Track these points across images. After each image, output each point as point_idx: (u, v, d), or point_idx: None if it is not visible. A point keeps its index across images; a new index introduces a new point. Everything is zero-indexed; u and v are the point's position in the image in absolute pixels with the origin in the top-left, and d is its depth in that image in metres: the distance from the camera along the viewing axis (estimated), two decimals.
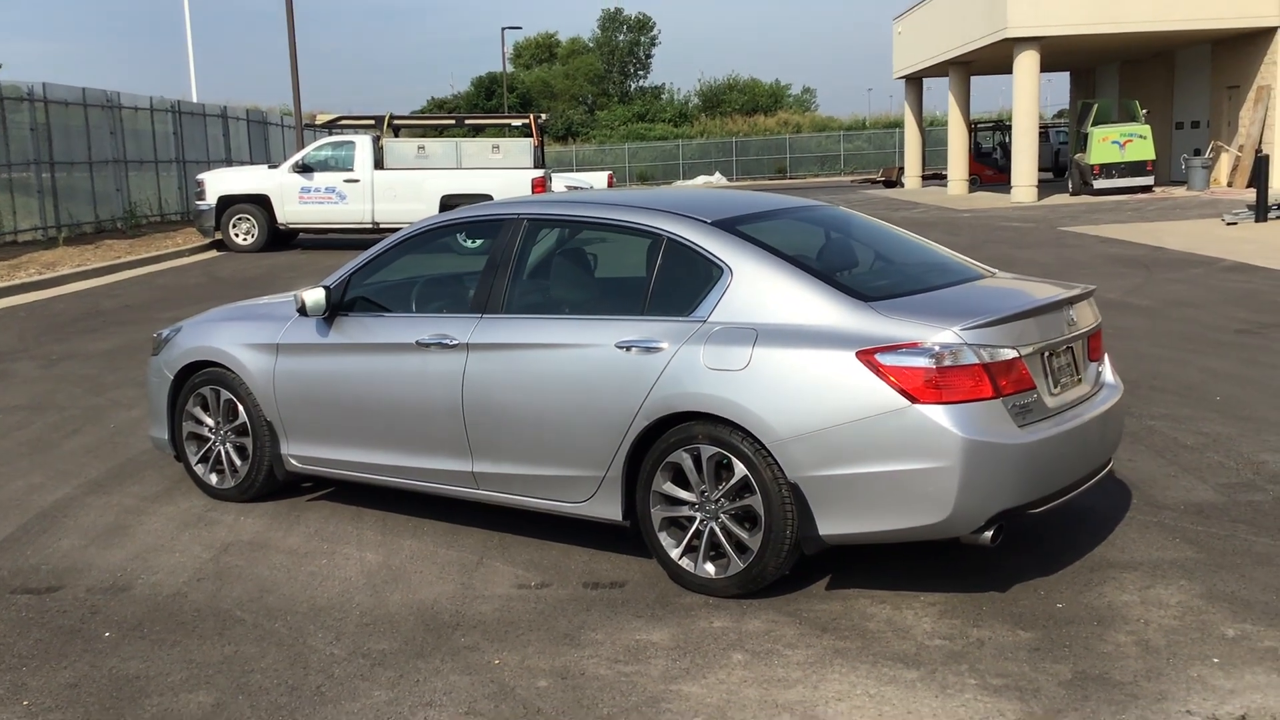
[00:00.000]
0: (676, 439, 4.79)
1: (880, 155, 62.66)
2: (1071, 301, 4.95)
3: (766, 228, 5.27)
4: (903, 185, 45.76)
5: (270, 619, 4.71)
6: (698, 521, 4.82)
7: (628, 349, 4.90)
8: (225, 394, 6.15)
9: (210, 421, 6.27)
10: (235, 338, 6.14)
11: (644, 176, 61.87)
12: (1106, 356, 5.41)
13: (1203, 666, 4.09)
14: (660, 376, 4.80)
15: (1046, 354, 4.76)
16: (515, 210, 5.51)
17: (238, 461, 6.19)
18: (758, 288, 4.79)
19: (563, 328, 5.15)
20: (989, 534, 4.49)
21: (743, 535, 4.70)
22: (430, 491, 5.60)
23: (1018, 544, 5.27)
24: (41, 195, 22.16)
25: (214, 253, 22.04)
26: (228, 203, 21.60)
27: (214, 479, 6.30)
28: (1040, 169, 37.67)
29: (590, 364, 4.99)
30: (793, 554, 4.66)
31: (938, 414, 4.36)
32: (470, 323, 5.36)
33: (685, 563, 4.86)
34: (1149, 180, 31.33)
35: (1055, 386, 4.79)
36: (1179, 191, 31.09)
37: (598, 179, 30.53)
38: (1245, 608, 4.56)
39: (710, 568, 4.80)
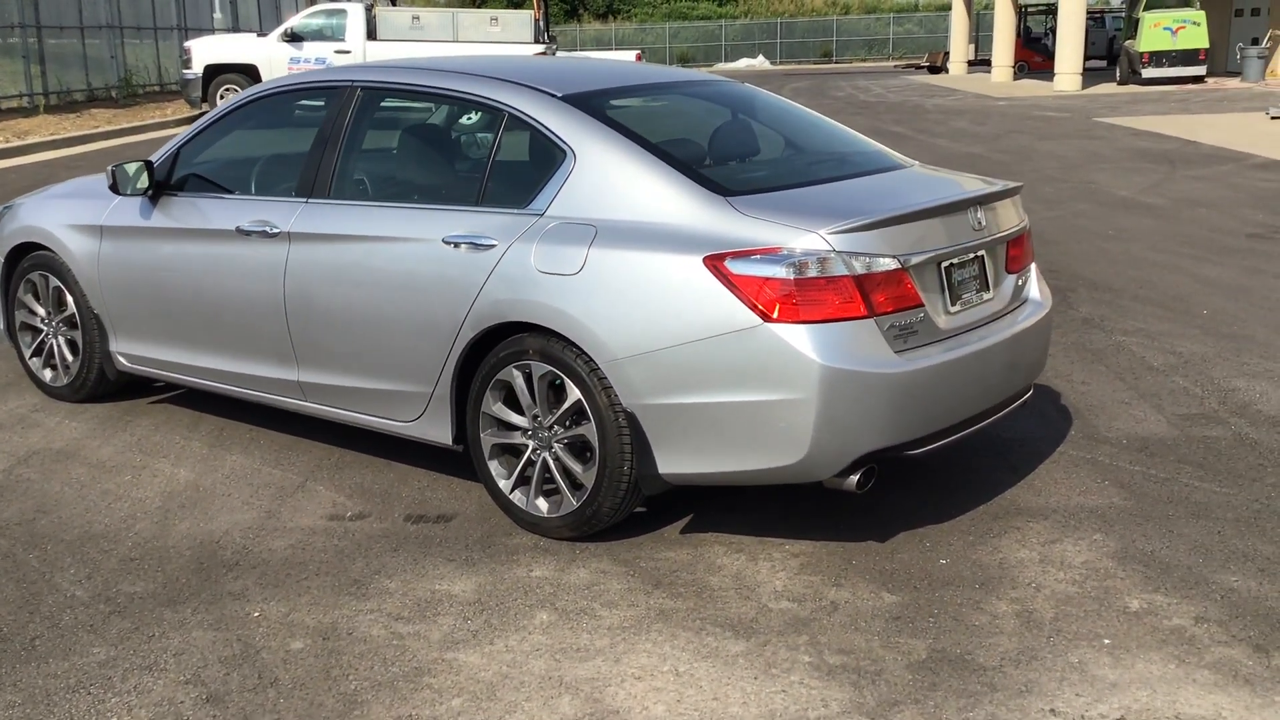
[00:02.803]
0: (507, 353, 4.08)
1: (931, 40, 60.23)
2: (980, 202, 4.13)
3: (635, 106, 4.48)
4: (947, 71, 43.99)
5: (29, 548, 4.09)
6: (530, 450, 4.13)
7: (455, 245, 4.16)
8: (54, 281, 5.48)
9: (42, 311, 5.62)
10: (62, 217, 5.44)
11: (684, 58, 59.96)
12: (1034, 267, 4.60)
13: (1089, 649, 3.38)
14: (488, 279, 4.06)
15: (945, 264, 3.97)
16: (349, 77, 4.73)
17: (69, 357, 5.54)
18: (600, 176, 4.02)
19: (388, 218, 4.41)
20: (855, 478, 3.76)
21: (577, 469, 4.01)
22: (262, 402, 4.93)
23: (917, 482, 4.54)
24: (27, 60, 21.41)
25: None
26: (215, 72, 20.75)
27: (48, 375, 5.67)
28: (1095, 56, 35.81)
29: (415, 261, 4.27)
30: (632, 495, 3.97)
31: (794, 335, 3.60)
32: (294, 208, 4.63)
33: (517, 496, 4.18)
34: (1200, 70, 29.71)
35: (954, 304, 4.00)
36: (1233, 83, 29.48)
37: (623, 59, 29.31)
38: (1161, 573, 3.83)
39: (543, 504, 4.12)
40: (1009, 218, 4.34)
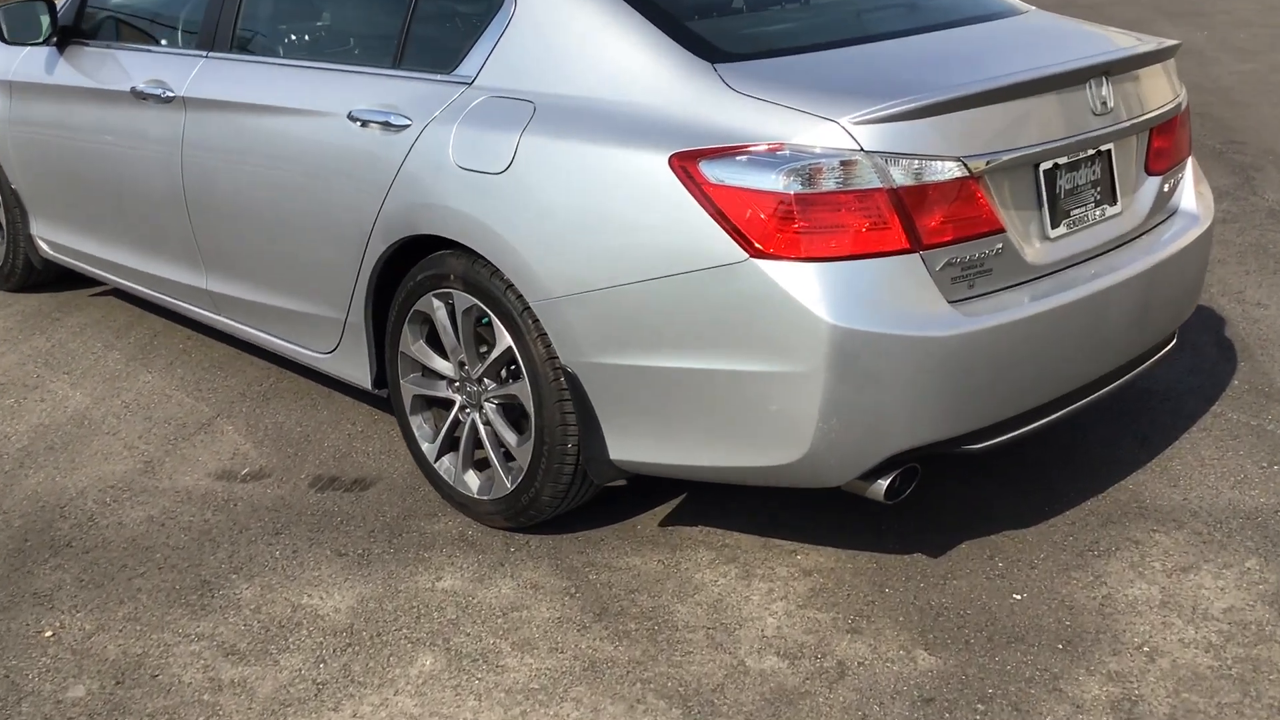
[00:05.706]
0: (425, 276, 2.98)
1: None
2: (1107, 71, 2.77)
3: None
4: None
5: None
6: (457, 407, 3.05)
7: (363, 123, 3.04)
8: None
9: None
10: None
11: None
12: (1190, 162, 3.22)
13: None
14: (398, 174, 2.94)
15: (1045, 166, 2.67)
16: None
17: None
18: (545, 28, 2.81)
19: (290, 81, 3.30)
20: (884, 483, 2.57)
21: (511, 440, 2.92)
22: (178, 310, 3.96)
23: (996, 461, 3.31)
24: None
25: None
26: None
27: None
28: None
29: (317, 141, 3.17)
30: (580, 483, 2.86)
31: (793, 278, 2.39)
32: (193, 64, 3.56)
33: (444, 465, 3.13)
34: None
35: (1056, 225, 2.71)
36: None
37: None
38: None
39: (472, 480, 3.07)
40: (1157, 93, 2.97)
